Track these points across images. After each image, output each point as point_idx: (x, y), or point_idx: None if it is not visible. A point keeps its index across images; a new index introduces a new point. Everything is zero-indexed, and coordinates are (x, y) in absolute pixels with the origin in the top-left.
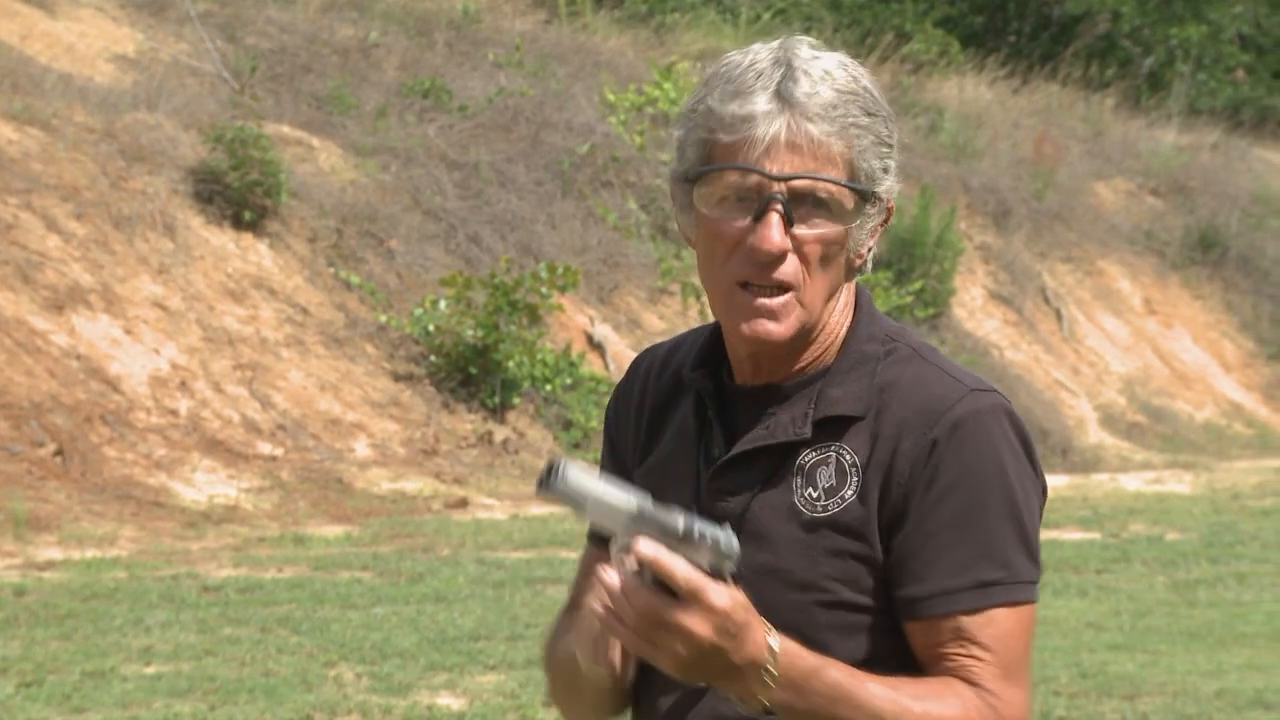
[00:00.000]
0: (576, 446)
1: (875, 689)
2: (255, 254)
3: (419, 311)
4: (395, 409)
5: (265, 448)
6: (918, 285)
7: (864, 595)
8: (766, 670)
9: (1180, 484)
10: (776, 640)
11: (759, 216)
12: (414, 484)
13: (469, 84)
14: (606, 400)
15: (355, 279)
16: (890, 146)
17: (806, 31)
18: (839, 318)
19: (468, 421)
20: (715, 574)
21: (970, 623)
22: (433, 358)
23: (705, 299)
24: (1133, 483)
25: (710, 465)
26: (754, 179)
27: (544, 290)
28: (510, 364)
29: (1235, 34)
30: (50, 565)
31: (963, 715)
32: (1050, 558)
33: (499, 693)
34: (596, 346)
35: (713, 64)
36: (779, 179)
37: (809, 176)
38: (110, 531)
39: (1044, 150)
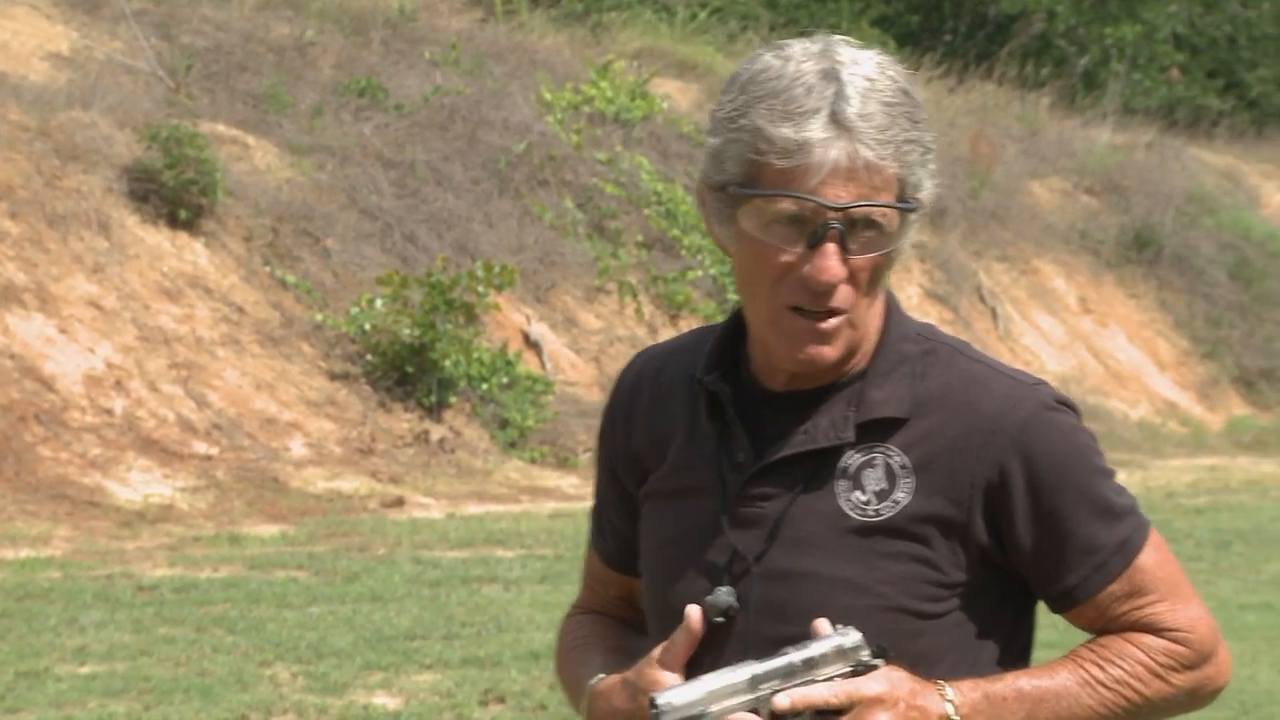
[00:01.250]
0: (513, 445)
1: (1064, 676)
2: (190, 253)
3: (355, 310)
4: (331, 408)
5: (200, 447)
6: None
7: (919, 600)
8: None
9: None
10: (945, 686)
11: (815, 244)
12: (350, 483)
13: (405, 83)
14: (543, 399)
15: (291, 278)
16: (931, 150)
17: (742, 31)
18: (873, 321)
19: (404, 420)
20: (858, 670)
21: (1125, 581)
22: (369, 357)
23: (642, 298)
24: None
25: (736, 470)
26: (810, 207)
27: (480, 289)
28: (447, 363)
29: (1170, 34)
30: None
31: (1148, 665)
32: None
33: (435, 692)
34: (533, 345)
35: (746, 64)
36: (839, 209)
37: (867, 205)
38: (44, 531)
39: (980, 149)
